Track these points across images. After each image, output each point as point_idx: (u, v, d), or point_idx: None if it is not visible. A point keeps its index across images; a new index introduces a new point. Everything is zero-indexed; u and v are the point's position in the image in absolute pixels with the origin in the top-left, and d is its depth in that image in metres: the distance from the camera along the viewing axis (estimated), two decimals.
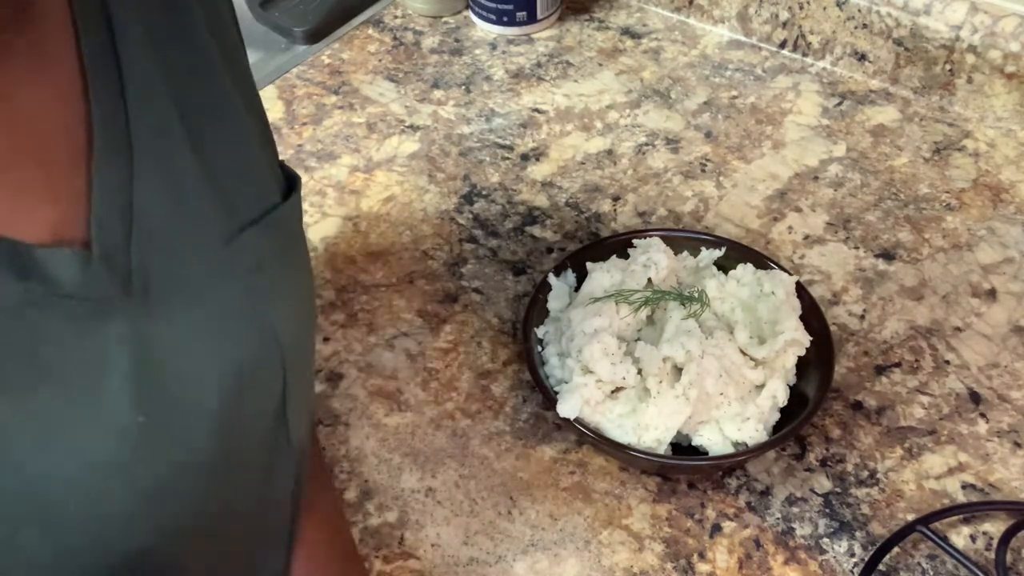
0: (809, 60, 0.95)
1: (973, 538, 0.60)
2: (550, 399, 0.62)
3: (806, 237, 0.78)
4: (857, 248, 0.77)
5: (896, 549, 0.59)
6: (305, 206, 0.82)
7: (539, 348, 0.67)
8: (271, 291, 0.41)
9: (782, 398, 0.62)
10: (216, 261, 0.38)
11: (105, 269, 0.33)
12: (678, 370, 0.62)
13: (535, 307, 0.68)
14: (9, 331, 0.31)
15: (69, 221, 0.33)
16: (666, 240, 0.70)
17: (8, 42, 0.31)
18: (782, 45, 0.96)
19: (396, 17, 1.03)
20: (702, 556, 0.60)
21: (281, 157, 0.47)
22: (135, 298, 0.34)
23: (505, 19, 0.98)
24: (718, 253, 0.71)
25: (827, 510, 0.62)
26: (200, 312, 0.37)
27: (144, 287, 0.35)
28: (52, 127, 0.33)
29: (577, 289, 0.70)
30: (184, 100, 0.37)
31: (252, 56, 0.47)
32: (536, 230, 0.80)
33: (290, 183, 0.44)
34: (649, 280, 0.67)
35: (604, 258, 0.71)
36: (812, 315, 0.66)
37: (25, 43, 0.32)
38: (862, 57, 0.92)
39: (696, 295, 0.65)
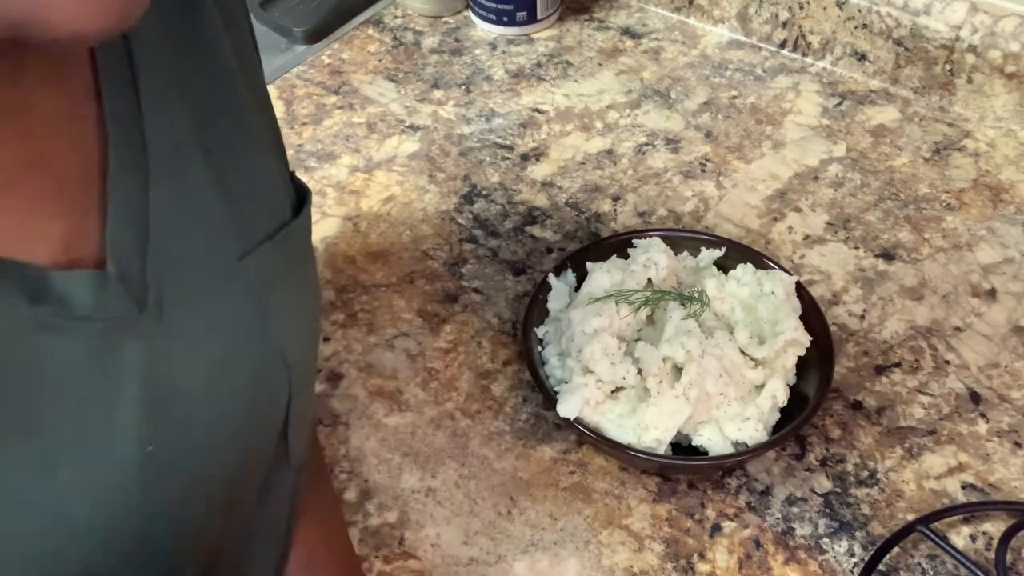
0: (809, 60, 0.95)
1: (973, 538, 0.60)
2: (550, 399, 0.62)
3: (806, 237, 0.78)
4: (857, 248, 0.77)
5: (896, 549, 0.59)
6: None
7: (539, 348, 0.67)
8: (280, 308, 0.40)
9: (782, 398, 0.62)
10: (229, 278, 0.37)
11: (120, 288, 0.32)
12: (678, 370, 0.62)
13: (535, 307, 0.68)
14: (19, 357, 0.29)
15: (82, 237, 0.32)
16: (666, 240, 0.70)
17: (21, 52, 0.29)
18: (782, 45, 0.96)
19: (396, 17, 1.03)
20: (702, 556, 0.60)
21: None
22: (148, 316, 0.33)
23: (505, 19, 0.98)
24: (718, 253, 0.71)
25: (827, 510, 0.62)
26: (212, 329, 0.36)
27: (158, 304, 0.33)
28: (66, 141, 0.32)
29: (577, 289, 0.70)
30: (200, 112, 0.36)
31: None
32: (536, 230, 0.80)
33: (300, 196, 0.43)
34: (649, 280, 0.67)
35: (604, 258, 0.71)
36: (812, 315, 0.66)
37: (39, 53, 0.30)
38: (862, 57, 0.92)
39: (696, 295, 0.65)
